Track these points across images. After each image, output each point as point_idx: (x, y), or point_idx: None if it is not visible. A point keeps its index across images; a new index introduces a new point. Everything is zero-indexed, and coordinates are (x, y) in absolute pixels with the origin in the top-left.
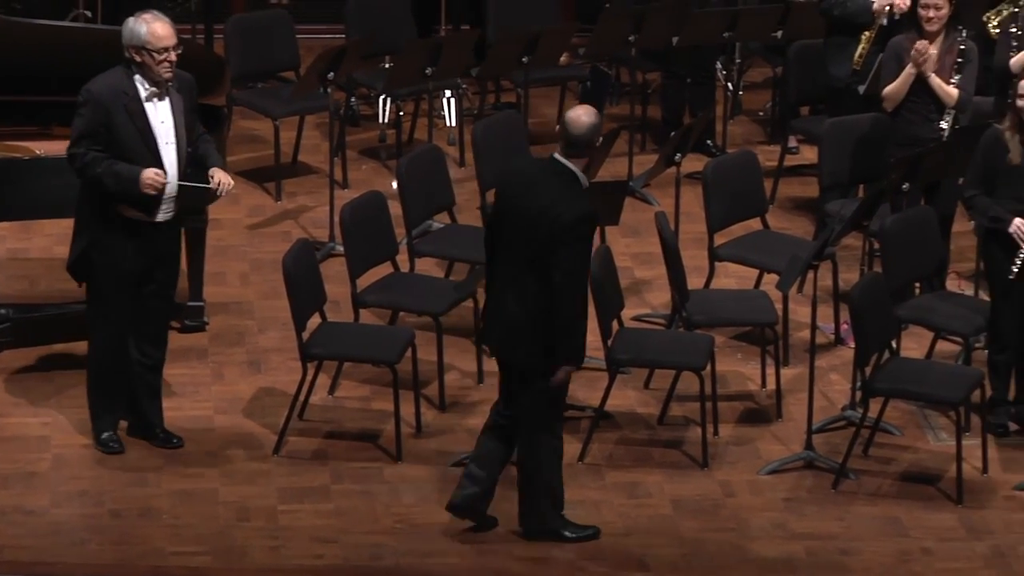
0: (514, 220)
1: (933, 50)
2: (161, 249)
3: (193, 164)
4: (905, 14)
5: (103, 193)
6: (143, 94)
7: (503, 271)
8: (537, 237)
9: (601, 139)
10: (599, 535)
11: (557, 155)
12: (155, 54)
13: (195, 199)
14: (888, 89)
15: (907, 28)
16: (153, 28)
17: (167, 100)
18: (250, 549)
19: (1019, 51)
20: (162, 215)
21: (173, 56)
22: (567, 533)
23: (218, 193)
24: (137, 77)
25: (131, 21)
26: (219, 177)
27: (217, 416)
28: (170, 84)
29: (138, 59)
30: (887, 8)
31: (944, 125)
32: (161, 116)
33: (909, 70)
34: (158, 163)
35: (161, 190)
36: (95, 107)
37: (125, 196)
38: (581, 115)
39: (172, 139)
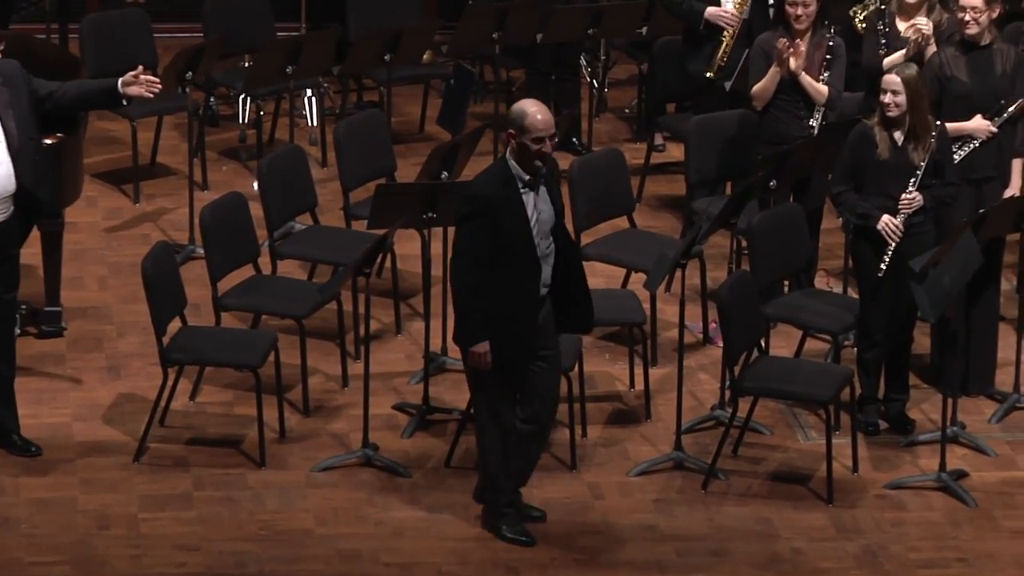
0: None
1: (802, 47)
2: None
3: (97, 98)
4: (774, 11)
5: None
6: None
7: None
8: None
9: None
10: (533, 545)
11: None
12: None
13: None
14: (756, 88)
15: (773, 25)
16: None
17: None
18: (110, 558)
19: (887, 49)
20: None
21: None
22: (504, 530)
23: (151, 92)
24: None
25: None
26: (137, 85)
27: (76, 423)
28: None
29: None
30: (724, 16)
31: (814, 123)
32: None
33: (775, 69)
34: None
35: None
36: None
37: None
38: (517, 103)
39: (1, 137)
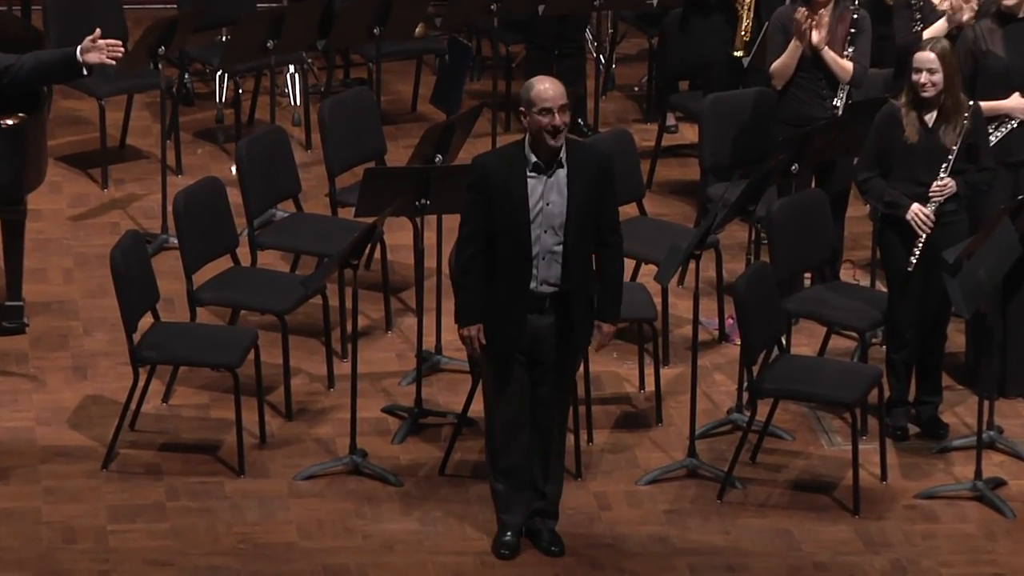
0: None
1: (825, 19)
2: None
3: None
4: None
5: None
6: None
7: None
8: None
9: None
10: (503, 555)
11: None
12: None
13: None
14: (776, 65)
15: None
16: None
17: None
18: (77, 574)
19: (923, 24)
20: None
21: None
22: (499, 535)
23: (112, 57)
24: None
25: None
26: (96, 51)
27: (39, 428)
28: None
29: None
30: None
31: (838, 103)
32: None
33: (795, 43)
34: None
35: None
36: None
37: None
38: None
39: None
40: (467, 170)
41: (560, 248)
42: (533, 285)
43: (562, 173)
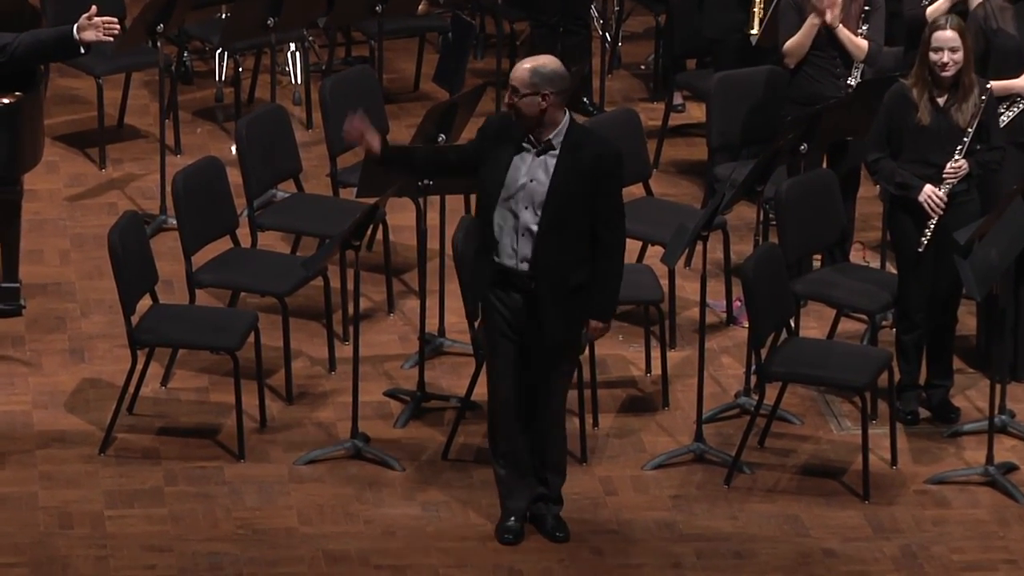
0: None
1: None
2: None
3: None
4: None
5: None
6: None
7: None
8: None
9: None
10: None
11: None
12: None
13: None
14: (790, 43)
15: None
16: None
17: None
18: (73, 560)
19: (931, 0)
20: None
21: None
22: (502, 519)
23: (108, 34)
24: None
25: None
26: (93, 29)
27: (36, 411)
28: None
29: None
30: None
31: (852, 82)
32: None
33: (813, 20)
34: None
35: None
36: None
37: None
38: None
39: None
40: None
41: (535, 227)
42: (512, 262)
43: (553, 156)
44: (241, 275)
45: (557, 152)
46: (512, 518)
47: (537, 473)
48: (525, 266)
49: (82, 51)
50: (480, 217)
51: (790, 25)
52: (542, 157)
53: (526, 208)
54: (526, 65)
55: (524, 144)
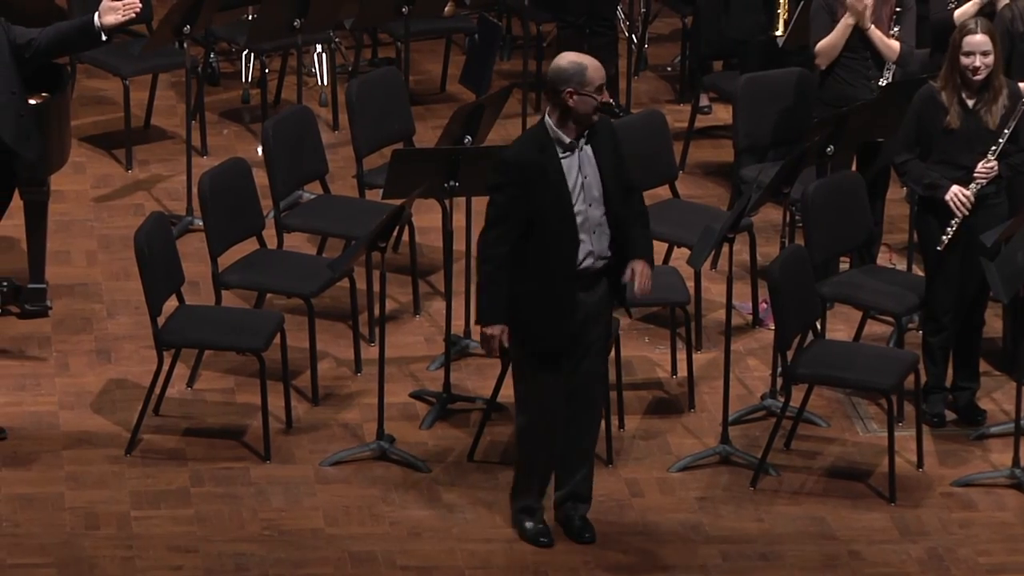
0: None
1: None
2: None
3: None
4: None
5: None
6: None
7: None
8: None
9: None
10: (550, 546)
11: None
12: None
13: None
14: (823, 43)
15: None
16: None
17: None
18: (100, 560)
19: (958, 3)
20: None
21: None
22: (524, 526)
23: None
24: None
25: None
26: (113, 13)
27: (62, 412)
28: None
29: None
30: None
31: (883, 83)
32: None
33: (847, 20)
34: None
35: None
36: None
37: None
38: (557, 59)
39: None
40: (495, 153)
41: (605, 219)
42: (589, 262)
43: (587, 147)
44: (267, 276)
45: (588, 142)
46: (543, 523)
47: (574, 471)
48: (599, 263)
49: (104, 38)
50: (551, 232)
51: (822, 26)
52: (582, 152)
53: (590, 205)
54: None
55: (562, 152)
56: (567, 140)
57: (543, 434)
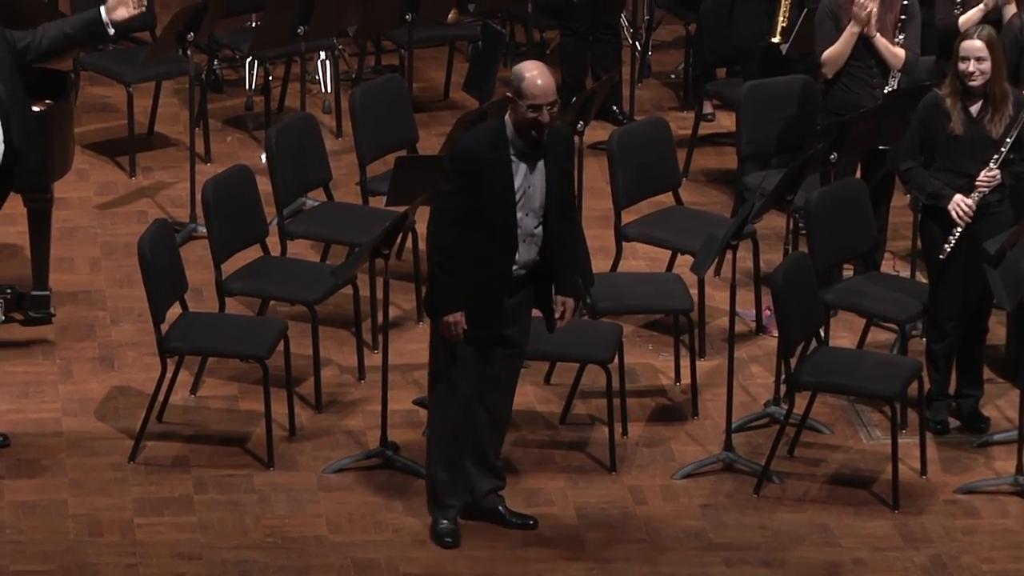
0: None
1: (873, 6)
2: None
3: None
4: None
5: None
6: None
7: None
8: None
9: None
10: (453, 548)
11: None
12: None
13: None
14: (829, 53)
15: None
16: None
17: None
18: (103, 567)
19: (962, 8)
20: None
21: None
22: (436, 522)
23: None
24: None
25: None
26: (124, 7)
27: (65, 419)
28: None
29: None
30: None
31: (889, 92)
32: None
33: (852, 29)
34: None
35: None
36: None
37: None
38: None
39: None
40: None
41: (539, 231)
42: (514, 268)
43: (541, 159)
44: (271, 283)
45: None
46: (445, 521)
47: (493, 465)
48: (521, 271)
49: (111, 32)
50: (490, 232)
51: (827, 35)
52: (538, 165)
53: (527, 215)
54: (547, 77)
55: (514, 153)
56: (520, 144)
57: (456, 426)
